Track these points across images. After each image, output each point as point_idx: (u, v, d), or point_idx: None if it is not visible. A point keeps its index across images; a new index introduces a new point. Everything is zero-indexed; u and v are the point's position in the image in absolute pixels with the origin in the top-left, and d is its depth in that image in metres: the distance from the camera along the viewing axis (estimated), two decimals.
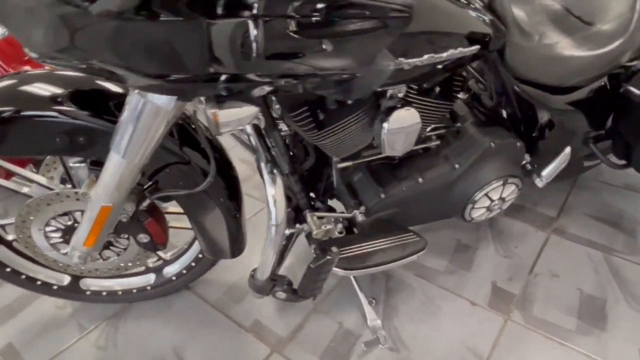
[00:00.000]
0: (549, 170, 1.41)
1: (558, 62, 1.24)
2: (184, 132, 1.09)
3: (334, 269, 1.23)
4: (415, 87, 1.20)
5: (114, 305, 1.48)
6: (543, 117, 1.40)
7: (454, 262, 1.60)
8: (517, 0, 1.37)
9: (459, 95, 1.29)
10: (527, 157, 1.46)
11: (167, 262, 1.46)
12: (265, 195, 1.10)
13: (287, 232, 1.30)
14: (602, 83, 1.37)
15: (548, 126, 1.40)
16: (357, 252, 1.26)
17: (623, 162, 1.54)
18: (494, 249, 1.65)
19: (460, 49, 1.03)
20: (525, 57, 1.23)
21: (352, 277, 1.44)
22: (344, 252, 1.24)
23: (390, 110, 1.13)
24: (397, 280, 1.55)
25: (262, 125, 1.05)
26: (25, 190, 1.18)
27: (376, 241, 1.29)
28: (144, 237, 1.18)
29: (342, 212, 1.32)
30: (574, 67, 1.25)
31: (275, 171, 1.13)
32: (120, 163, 0.95)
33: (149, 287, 1.46)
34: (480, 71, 1.46)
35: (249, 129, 1.12)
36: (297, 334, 1.38)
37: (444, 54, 1.02)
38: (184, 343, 1.37)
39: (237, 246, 1.28)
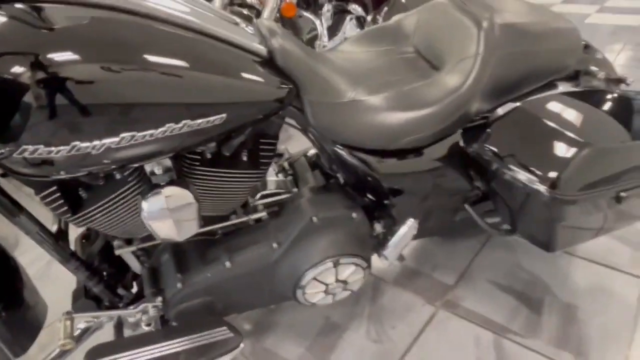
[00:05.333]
0: (391, 248, 1.15)
1: (373, 121, 1.00)
2: None
3: None
4: (209, 154, 0.99)
5: None
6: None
7: (314, 348, 1.35)
8: (340, 51, 1.17)
9: (269, 162, 1.07)
10: (379, 228, 1.21)
11: None
12: None
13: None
14: (456, 140, 1.13)
15: (394, 191, 1.16)
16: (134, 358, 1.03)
17: (507, 227, 1.27)
18: (366, 331, 1.39)
19: (203, 119, 0.82)
20: (331, 116, 1.00)
21: None
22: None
23: (153, 188, 0.92)
24: None
25: None
26: None
27: (169, 342, 1.06)
28: None
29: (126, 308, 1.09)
30: (395, 127, 1.01)
31: None
32: None
33: None
34: None
35: None
36: None
37: (190, 122, 0.81)
38: None
39: None
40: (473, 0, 1.18)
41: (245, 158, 1.04)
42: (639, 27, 4.04)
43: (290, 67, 0.94)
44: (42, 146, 0.70)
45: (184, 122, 0.79)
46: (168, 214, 0.94)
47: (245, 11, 2.40)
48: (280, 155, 1.36)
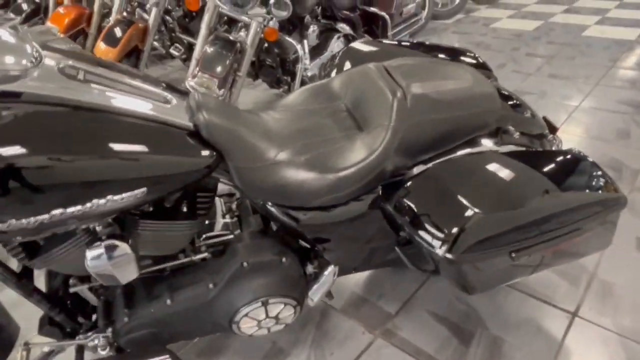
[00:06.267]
0: (314, 290, 1.28)
1: (293, 183, 1.12)
2: None
3: None
4: (150, 208, 1.13)
5: None
6: None
7: None
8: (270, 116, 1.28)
9: (206, 213, 1.21)
10: (311, 269, 1.34)
11: None
12: None
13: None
14: (378, 193, 1.24)
15: (321, 239, 1.28)
16: None
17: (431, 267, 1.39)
18: (307, 356, 1.52)
19: (125, 194, 0.96)
20: (254, 179, 1.12)
21: None
22: None
23: (94, 241, 1.07)
24: None
25: None
26: None
27: None
28: None
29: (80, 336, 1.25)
30: (312, 188, 1.13)
31: None
32: None
33: None
34: None
35: None
36: None
37: (114, 197, 0.95)
38: None
39: None
40: (399, 66, 1.29)
41: (184, 210, 1.18)
42: (635, 41, 4.04)
43: (214, 137, 1.07)
44: None
45: (108, 197, 0.93)
46: (107, 263, 1.08)
47: (231, 37, 2.52)
48: (232, 195, 1.50)
